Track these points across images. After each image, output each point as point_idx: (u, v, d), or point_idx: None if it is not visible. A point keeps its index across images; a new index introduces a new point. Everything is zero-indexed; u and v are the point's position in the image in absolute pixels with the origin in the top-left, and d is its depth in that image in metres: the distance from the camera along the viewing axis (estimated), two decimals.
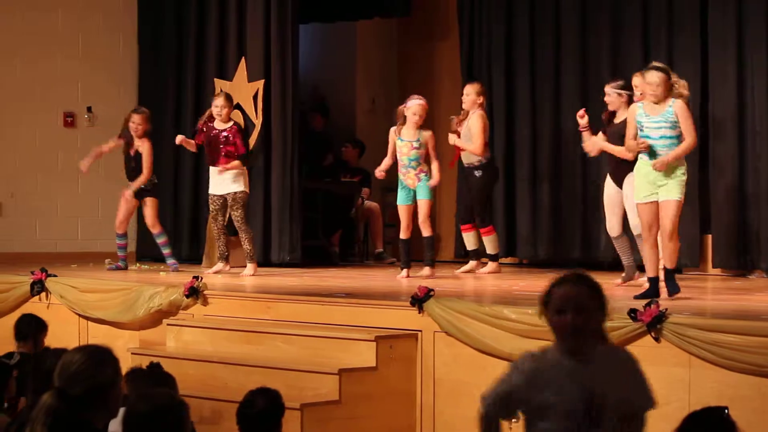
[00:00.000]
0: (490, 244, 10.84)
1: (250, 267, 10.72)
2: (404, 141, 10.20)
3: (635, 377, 4.29)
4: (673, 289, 8.05)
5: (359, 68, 14.09)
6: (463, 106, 10.67)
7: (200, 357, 8.24)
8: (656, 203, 8.04)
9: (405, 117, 10.24)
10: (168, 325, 8.77)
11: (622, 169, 9.09)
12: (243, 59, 12.03)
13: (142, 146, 11.16)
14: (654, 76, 8.01)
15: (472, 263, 10.85)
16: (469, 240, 10.92)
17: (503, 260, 11.52)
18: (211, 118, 10.81)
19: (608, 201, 9.52)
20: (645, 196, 8.06)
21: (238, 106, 11.61)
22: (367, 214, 13.25)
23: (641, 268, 8.87)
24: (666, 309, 6.78)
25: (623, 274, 9.49)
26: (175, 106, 12.75)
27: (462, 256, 11.43)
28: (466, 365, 7.52)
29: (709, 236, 10.87)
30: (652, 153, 7.99)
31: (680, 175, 8.04)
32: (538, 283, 9.82)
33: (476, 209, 10.78)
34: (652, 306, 6.78)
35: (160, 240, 11.32)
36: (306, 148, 12.62)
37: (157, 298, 9.05)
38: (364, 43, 14.09)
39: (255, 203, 11.61)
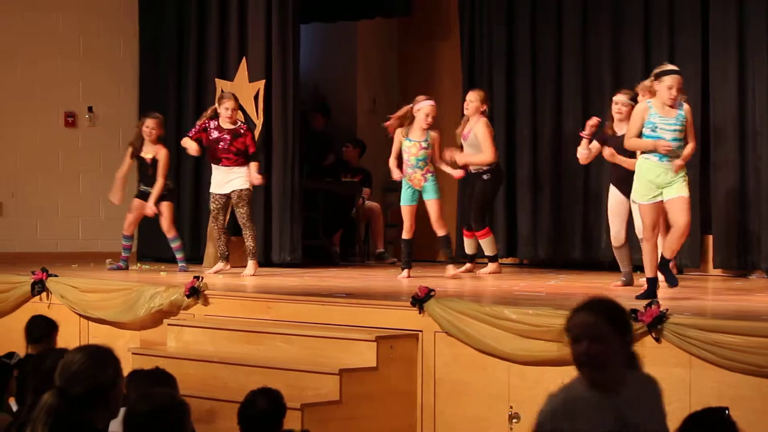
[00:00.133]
0: (489, 246, 10.84)
1: (251, 265, 10.71)
2: (413, 141, 10.21)
3: (660, 409, 4.14)
4: (673, 282, 8.17)
5: (360, 68, 14.09)
6: (466, 112, 10.69)
7: (201, 357, 8.24)
8: (660, 204, 8.08)
9: (412, 117, 10.23)
10: (169, 325, 8.77)
11: (631, 179, 9.04)
12: (244, 59, 12.03)
13: (159, 153, 11.17)
14: (677, 80, 8.07)
15: (468, 265, 10.90)
16: (471, 244, 10.97)
17: (503, 260, 11.53)
18: (214, 118, 10.79)
19: (614, 210, 9.47)
20: (650, 198, 8.09)
21: (239, 107, 11.61)
22: (368, 214, 13.25)
23: (637, 269, 8.89)
24: (667, 309, 6.79)
25: (623, 278, 9.47)
26: (176, 106, 12.75)
27: (462, 257, 11.43)
28: (466, 365, 7.52)
29: (710, 237, 10.87)
30: (664, 154, 8.05)
31: (684, 174, 8.12)
32: (538, 283, 9.85)
33: (475, 212, 10.76)
34: (653, 306, 6.78)
35: (174, 244, 11.31)
36: (307, 148, 12.63)
37: (158, 298, 9.05)
38: (364, 43, 14.10)
39: (256, 203, 11.58)
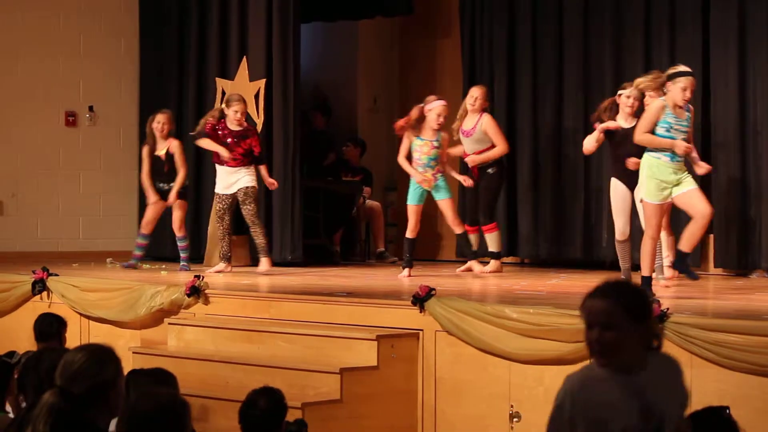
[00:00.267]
0: (494, 242, 10.86)
1: (264, 262, 10.71)
2: (424, 140, 10.26)
3: (682, 391, 4.05)
4: (694, 275, 8.50)
5: (361, 67, 14.09)
6: (471, 108, 10.74)
7: (202, 356, 8.25)
8: (669, 203, 8.30)
9: (423, 117, 10.26)
10: (169, 324, 8.77)
11: (633, 172, 9.05)
12: (245, 58, 12.03)
13: (172, 146, 11.17)
14: (691, 82, 8.21)
15: (471, 263, 10.90)
16: (474, 240, 10.98)
17: (504, 259, 11.52)
18: (221, 119, 10.80)
19: (618, 207, 9.48)
20: (661, 198, 8.21)
21: None
22: (369, 213, 13.24)
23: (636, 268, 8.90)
24: (667, 308, 6.79)
25: (623, 276, 9.46)
26: (177, 105, 12.73)
27: (463, 255, 11.43)
28: (467, 364, 7.52)
29: (711, 236, 10.85)
30: (675, 154, 8.20)
31: (687, 171, 8.33)
32: (539, 282, 9.85)
33: (483, 206, 10.80)
34: (654, 306, 6.78)
35: (182, 244, 11.29)
36: (307, 147, 12.62)
37: (159, 297, 9.04)
38: (365, 42, 14.09)
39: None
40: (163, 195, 11.26)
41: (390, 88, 13.95)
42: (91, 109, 13.27)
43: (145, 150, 11.34)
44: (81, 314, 9.47)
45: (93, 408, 4.25)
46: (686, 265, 8.37)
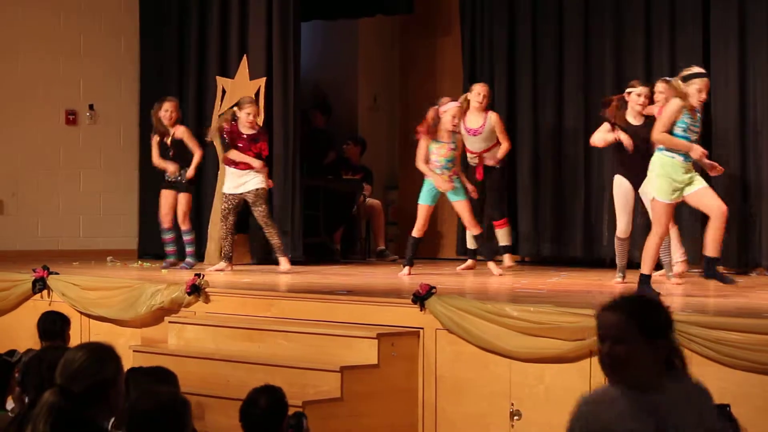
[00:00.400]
0: (506, 236, 11.09)
1: (284, 261, 10.73)
2: (441, 143, 10.26)
3: (711, 424, 3.84)
4: (729, 280, 8.54)
5: (361, 66, 14.09)
6: (476, 106, 10.82)
7: (202, 354, 8.24)
8: (679, 203, 8.37)
9: (438, 119, 10.24)
10: (170, 322, 8.77)
11: (639, 168, 9.06)
12: (245, 57, 12.03)
13: (177, 131, 11.13)
14: (706, 83, 8.31)
15: (470, 262, 10.92)
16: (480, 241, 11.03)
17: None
18: (233, 121, 10.80)
19: (621, 204, 9.50)
20: (674, 197, 8.28)
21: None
22: (369, 212, 13.25)
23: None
24: (668, 306, 6.77)
25: (620, 274, 9.47)
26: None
27: (463, 253, 11.43)
28: (468, 363, 7.51)
29: None
30: (687, 155, 8.28)
31: (694, 170, 8.43)
32: (539, 280, 9.85)
33: (496, 201, 11.02)
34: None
35: (187, 237, 11.21)
36: (308, 146, 12.62)
37: (159, 295, 9.04)
38: (366, 41, 14.10)
39: None
40: (171, 186, 11.21)
41: (390, 86, 13.96)
42: (91, 107, 13.27)
43: (155, 139, 11.29)
44: (81, 313, 9.47)
45: (93, 407, 4.25)
46: (716, 270, 8.40)
